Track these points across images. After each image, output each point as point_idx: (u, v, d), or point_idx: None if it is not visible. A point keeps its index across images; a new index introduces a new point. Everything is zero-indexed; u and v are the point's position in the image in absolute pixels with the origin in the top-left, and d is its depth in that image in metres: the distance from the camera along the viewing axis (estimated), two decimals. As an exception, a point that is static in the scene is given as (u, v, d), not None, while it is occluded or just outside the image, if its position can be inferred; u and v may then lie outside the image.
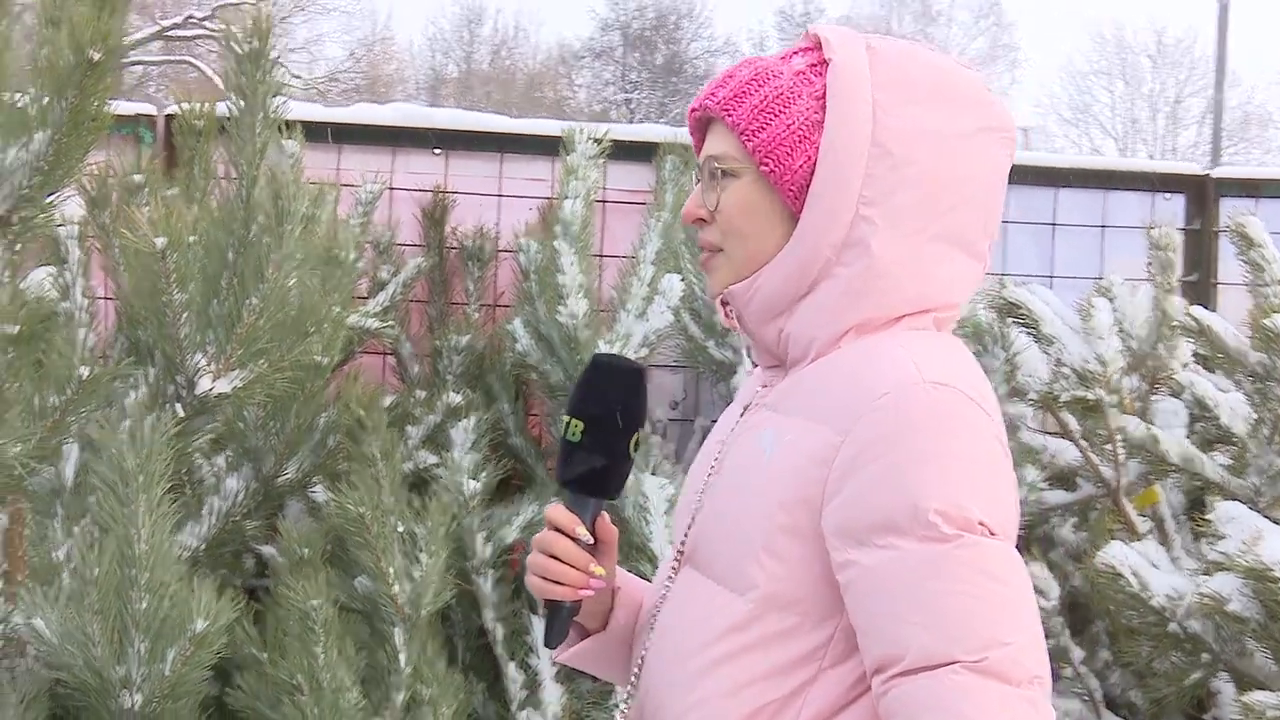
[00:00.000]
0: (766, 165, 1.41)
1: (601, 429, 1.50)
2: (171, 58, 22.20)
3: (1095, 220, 4.16)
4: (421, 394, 2.96)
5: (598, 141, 3.00)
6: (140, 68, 21.64)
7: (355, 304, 3.04)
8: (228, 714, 2.22)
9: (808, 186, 1.41)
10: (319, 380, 2.44)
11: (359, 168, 3.30)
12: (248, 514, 2.45)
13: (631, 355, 2.81)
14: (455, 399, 2.96)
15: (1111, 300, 3.44)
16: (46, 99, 2.29)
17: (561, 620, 1.53)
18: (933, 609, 1.27)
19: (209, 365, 2.22)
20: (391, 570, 2.37)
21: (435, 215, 3.39)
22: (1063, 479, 3.54)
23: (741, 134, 1.42)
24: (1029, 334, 3.32)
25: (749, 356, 1.67)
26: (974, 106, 1.46)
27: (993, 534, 1.30)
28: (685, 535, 1.51)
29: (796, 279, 1.42)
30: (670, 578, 1.51)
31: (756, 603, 1.36)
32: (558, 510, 1.50)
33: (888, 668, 1.27)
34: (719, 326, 2.92)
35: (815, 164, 1.41)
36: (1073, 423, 3.38)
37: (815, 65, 1.44)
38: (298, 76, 21.84)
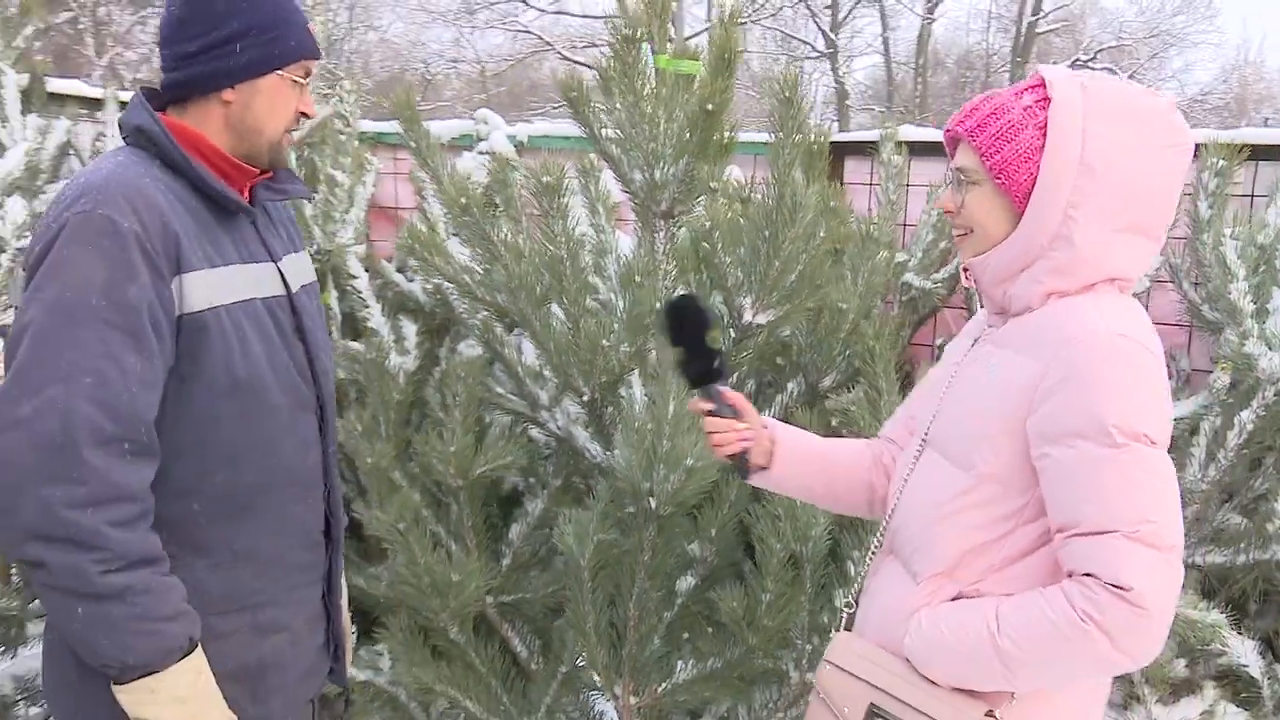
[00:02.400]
0: (1000, 180, 1.57)
1: (685, 343, 1.81)
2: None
3: None
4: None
5: None
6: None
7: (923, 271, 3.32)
8: (747, 529, 2.70)
9: (1030, 193, 1.55)
10: (842, 320, 2.77)
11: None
12: (799, 409, 2.88)
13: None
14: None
15: None
16: (686, 135, 2.87)
17: (742, 463, 1.84)
18: (1103, 493, 1.43)
19: (751, 305, 2.68)
20: (874, 454, 2.67)
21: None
22: None
23: (982, 155, 1.57)
24: None
25: (980, 304, 1.83)
26: (1162, 128, 1.54)
27: (1153, 443, 1.45)
28: (928, 428, 1.72)
29: (1019, 259, 1.58)
30: (916, 455, 1.73)
31: (977, 478, 1.56)
32: (694, 403, 1.83)
33: (1067, 529, 1.46)
34: (1212, 292, 2.77)
35: (1036, 178, 1.54)
36: None
37: (1040, 101, 1.56)
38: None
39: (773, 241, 2.60)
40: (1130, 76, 21.61)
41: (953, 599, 1.59)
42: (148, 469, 1.63)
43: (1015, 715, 1.55)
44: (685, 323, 1.81)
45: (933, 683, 1.57)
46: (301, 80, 1.82)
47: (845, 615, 1.81)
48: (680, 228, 3.00)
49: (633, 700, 2.63)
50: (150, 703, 1.62)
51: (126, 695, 1.62)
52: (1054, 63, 20.56)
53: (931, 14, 23.13)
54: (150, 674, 1.61)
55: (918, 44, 23.22)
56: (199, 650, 1.66)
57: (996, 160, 1.56)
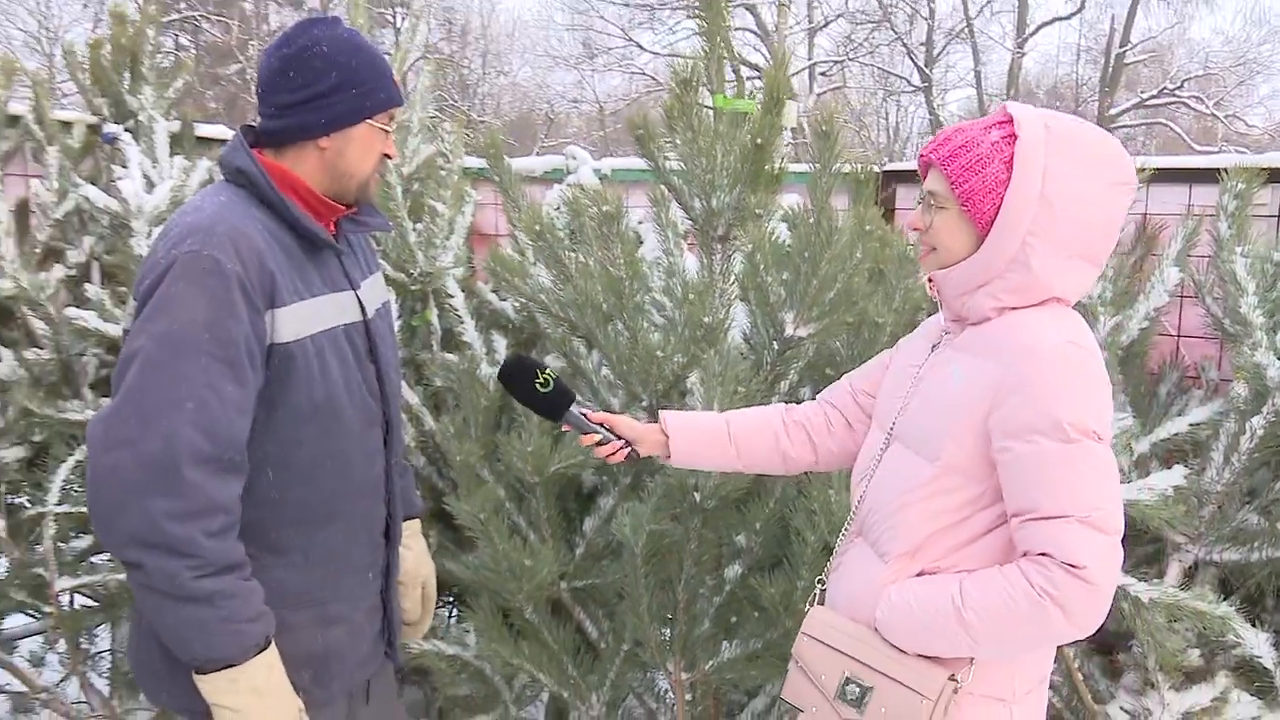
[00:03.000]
0: (966, 207, 1.64)
1: (525, 396, 2.00)
2: (1150, 120, 21.46)
3: None
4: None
5: (1138, 171, 2.91)
6: (1125, 131, 21.20)
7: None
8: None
9: (992, 220, 1.62)
10: (880, 333, 2.81)
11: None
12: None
13: (1136, 326, 2.79)
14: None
15: None
16: (735, 167, 2.94)
17: (633, 460, 2.05)
18: (1058, 483, 1.51)
19: (792, 319, 2.73)
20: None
21: (1145, 236, 3.25)
22: None
23: (952, 183, 1.64)
24: None
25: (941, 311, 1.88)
26: (1112, 168, 1.61)
27: (1099, 439, 1.53)
28: (893, 423, 1.79)
29: (978, 277, 1.65)
30: (883, 447, 1.80)
31: (939, 468, 1.64)
32: (575, 434, 2.05)
33: (1024, 514, 1.54)
34: (1233, 308, 2.73)
35: (999, 208, 1.61)
36: None
37: (1007, 136, 1.61)
38: (1253, 126, 19.95)
39: (811, 262, 2.66)
40: (1216, 104, 20.86)
41: (917, 575, 1.65)
42: (237, 484, 1.70)
43: (975, 679, 1.60)
44: (518, 382, 2.00)
45: (900, 650, 1.63)
46: (387, 127, 1.89)
47: (819, 591, 1.87)
48: (734, 252, 3.08)
49: (684, 676, 2.71)
50: (229, 692, 1.68)
51: (208, 684, 1.69)
52: (1141, 92, 19.93)
53: (1022, 48, 22.66)
54: (231, 667, 1.68)
55: (1009, 76, 22.76)
56: (273, 646, 1.74)
57: (965, 189, 1.62)
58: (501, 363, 2.05)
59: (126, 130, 3.85)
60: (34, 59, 24.08)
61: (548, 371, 2.00)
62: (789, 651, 2.62)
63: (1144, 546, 2.72)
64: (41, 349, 3.56)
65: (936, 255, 1.71)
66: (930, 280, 1.74)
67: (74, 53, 4.08)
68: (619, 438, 2.04)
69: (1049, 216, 1.57)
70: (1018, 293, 1.62)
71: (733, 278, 2.99)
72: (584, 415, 2.02)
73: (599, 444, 2.02)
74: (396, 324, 3.46)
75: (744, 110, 3.06)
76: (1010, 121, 1.62)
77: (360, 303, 1.94)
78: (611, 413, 3.15)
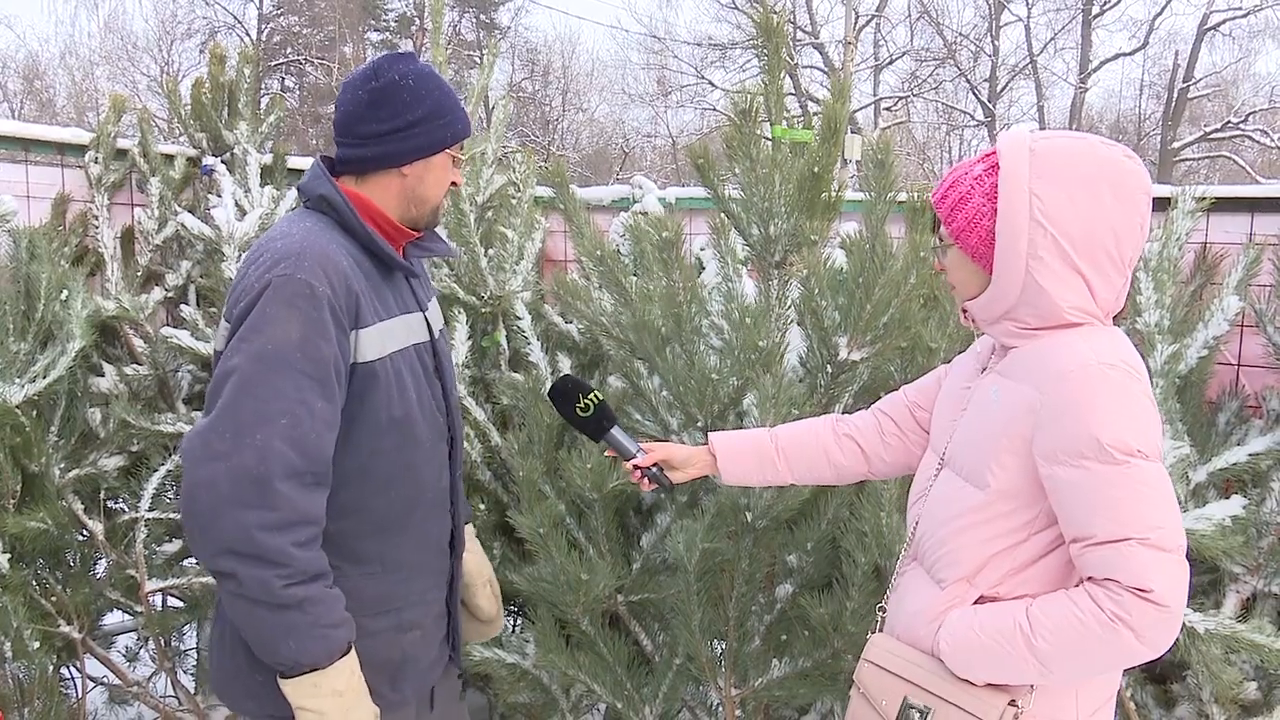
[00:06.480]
0: (959, 243, 1.60)
1: (570, 415, 1.99)
2: (1213, 154, 20.73)
3: None
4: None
5: (1199, 200, 2.78)
6: (1188, 164, 20.56)
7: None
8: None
9: (986, 253, 1.57)
10: (934, 358, 2.71)
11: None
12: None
13: (1194, 355, 2.65)
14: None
15: None
16: (793, 195, 2.88)
17: (662, 487, 2.05)
18: (1113, 506, 1.44)
19: (846, 344, 2.65)
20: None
21: (1205, 265, 3.05)
22: None
23: (944, 222, 1.62)
24: None
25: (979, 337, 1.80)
26: (1107, 180, 1.52)
27: (1147, 457, 1.44)
28: (945, 448, 1.71)
29: (998, 307, 1.59)
30: (935, 473, 1.73)
31: (990, 494, 1.57)
32: (610, 452, 2.07)
33: (1082, 540, 1.47)
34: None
35: (985, 238, 1.56)
36: None
37: (989, 169, 1.56)
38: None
39: (866, 287, 2.58)
40: (1282, 136, 20.08)
41: (975, 601, 1.57)
42: (323, 497, 1.69)
43: (1036, 703, 1.52)
44: (562, 403, 2.00)
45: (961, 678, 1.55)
46: (460, 155, 1.92)
47: (880, 618, 1.79)
48: (790, 277, 3.01)
49: (734, 692, 2.63)
50: (312, 694, 1.67)
51: (292, 687, 1.68)
52: (1205, 125, 19.34)
53: (1085, 84, 22.14)
54: (315, 670, 1.67)
55: (1071, 111, 22.26)
56: (354, 651, 1.73)
57: (954, 227, 1.59)
58: (549, 386, 2.05)
59: (223, 163, 3.92)
60: (155, 100, 24.96)
61: (591, 396, 1.99)
62: (838, 671, 2.55)
63: (1200, 576, 2.56)
64: (140, 365, 3.63)
65: (957, 290, 1.67)
66: (964, 311, 1.68)
67: (177, 92, 4.18)
68: (659, 468, 2.04)
69: (1045, 238, 1.50)
70: (1042, 315, 1.55)
71: (789, 302, 2.92)
72: (628, 444, 2.02)
73: (636, 468, 2.02)
74: (466, 345, 3.46)
75: (802, 140, 3.00)
76: (995, 153, 1.56)
77: (428, 323, 1.95)
78: (669, 431, 3.15)
